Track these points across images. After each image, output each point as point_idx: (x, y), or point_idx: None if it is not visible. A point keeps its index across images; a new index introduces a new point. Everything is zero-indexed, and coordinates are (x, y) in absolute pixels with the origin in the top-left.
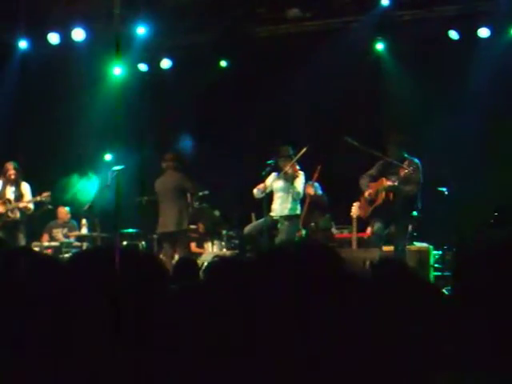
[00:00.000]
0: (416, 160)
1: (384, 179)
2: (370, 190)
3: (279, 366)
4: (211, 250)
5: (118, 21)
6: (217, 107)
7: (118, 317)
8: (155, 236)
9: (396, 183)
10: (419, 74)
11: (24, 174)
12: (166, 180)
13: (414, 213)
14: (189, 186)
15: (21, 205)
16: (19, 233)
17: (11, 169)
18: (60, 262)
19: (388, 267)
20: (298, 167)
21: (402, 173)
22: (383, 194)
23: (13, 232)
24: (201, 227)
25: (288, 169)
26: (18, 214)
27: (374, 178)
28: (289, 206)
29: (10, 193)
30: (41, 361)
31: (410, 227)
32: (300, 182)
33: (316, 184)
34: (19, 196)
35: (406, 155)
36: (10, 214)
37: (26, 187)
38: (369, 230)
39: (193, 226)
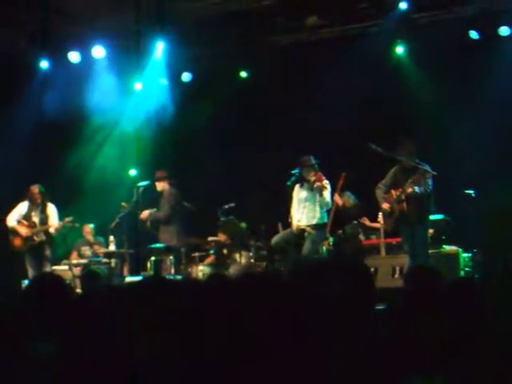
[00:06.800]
0: (427, 166)
1: (393, 191)
2: (386, 203)
3: None
4: (239, 261)
5: (138, 37)
6: (239, 118)
7: None
8: (183, 250)
9: (411, 188)
10: (440, 75)
11: (50, 196)
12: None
13: (430, 216)
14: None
15: (47, 230)
16: (44, 255)
17: (36, 192)
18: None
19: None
20: (323, 177)
21: (416, 175)
22: (397, 205)
23: (38, 254)
24: (223, 238)
25: (312, 178)
26: (43, 237)
27: (389, 187)
28: (316, 214)
29: (35, 216)
30: None
31: (430, 231)
32: (328, 192)
33: (348, 193)
34: (45, 218)
35: (417, 161)
36: (35, 237)
37: (52, 209)
38: None
39: (213, 238)
